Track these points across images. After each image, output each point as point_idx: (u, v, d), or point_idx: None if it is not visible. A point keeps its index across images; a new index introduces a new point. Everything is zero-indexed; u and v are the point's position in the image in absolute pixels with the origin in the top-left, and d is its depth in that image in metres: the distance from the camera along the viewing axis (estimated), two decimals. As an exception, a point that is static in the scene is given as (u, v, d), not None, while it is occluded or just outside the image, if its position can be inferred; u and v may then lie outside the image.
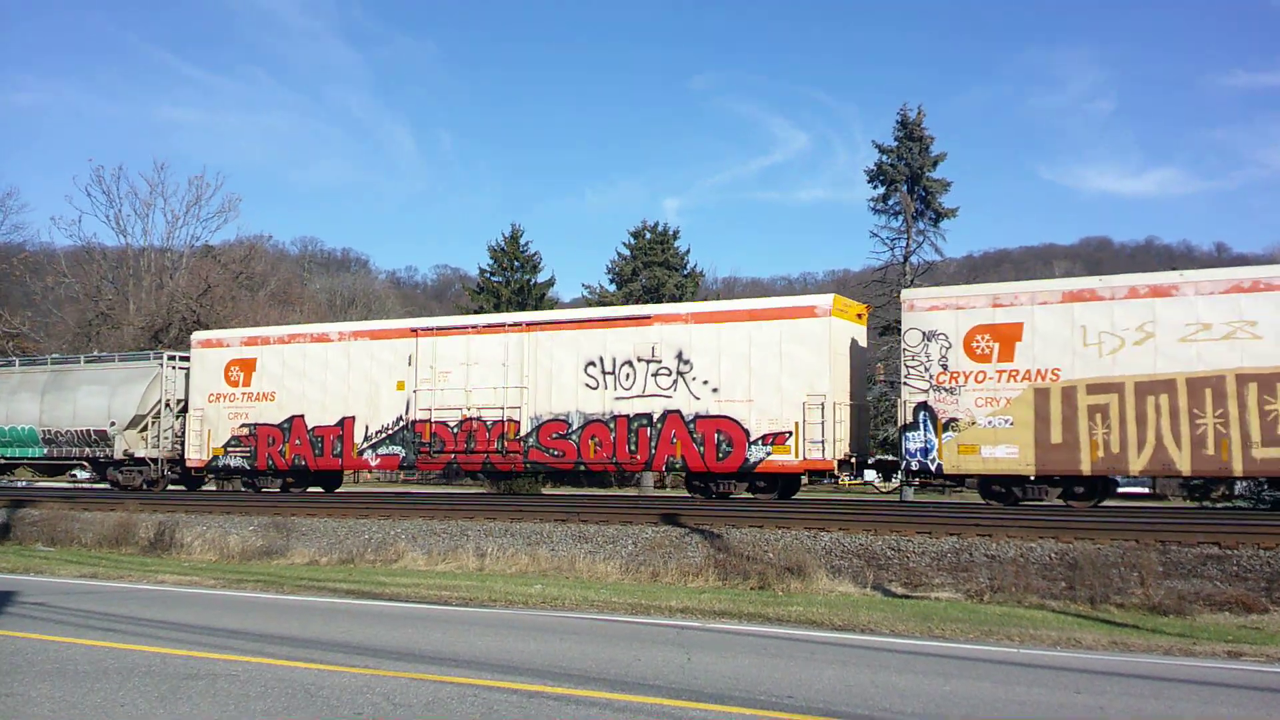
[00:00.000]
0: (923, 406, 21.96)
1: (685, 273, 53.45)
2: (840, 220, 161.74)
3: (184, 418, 31.07)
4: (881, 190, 47.02)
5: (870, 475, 26.23)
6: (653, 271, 51.92)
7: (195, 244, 57.99)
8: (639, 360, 25.08)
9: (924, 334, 22.15)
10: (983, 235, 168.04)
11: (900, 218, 46.49)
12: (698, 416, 24.26)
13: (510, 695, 7.16)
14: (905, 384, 22.32)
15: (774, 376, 23.58)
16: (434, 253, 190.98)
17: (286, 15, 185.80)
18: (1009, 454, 21.12)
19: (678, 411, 24.50)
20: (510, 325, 26.94)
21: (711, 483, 24.79)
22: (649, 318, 25.63)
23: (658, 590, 14.38)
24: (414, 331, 27.89)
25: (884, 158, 46.86)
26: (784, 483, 24.53)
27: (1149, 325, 20.34)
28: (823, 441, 22.93)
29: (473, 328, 27.51)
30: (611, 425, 25.11)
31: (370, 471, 29.83)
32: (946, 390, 21.78)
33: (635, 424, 24.86)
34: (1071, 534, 15.72)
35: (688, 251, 54.42)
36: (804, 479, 25.04)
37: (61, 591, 13.59)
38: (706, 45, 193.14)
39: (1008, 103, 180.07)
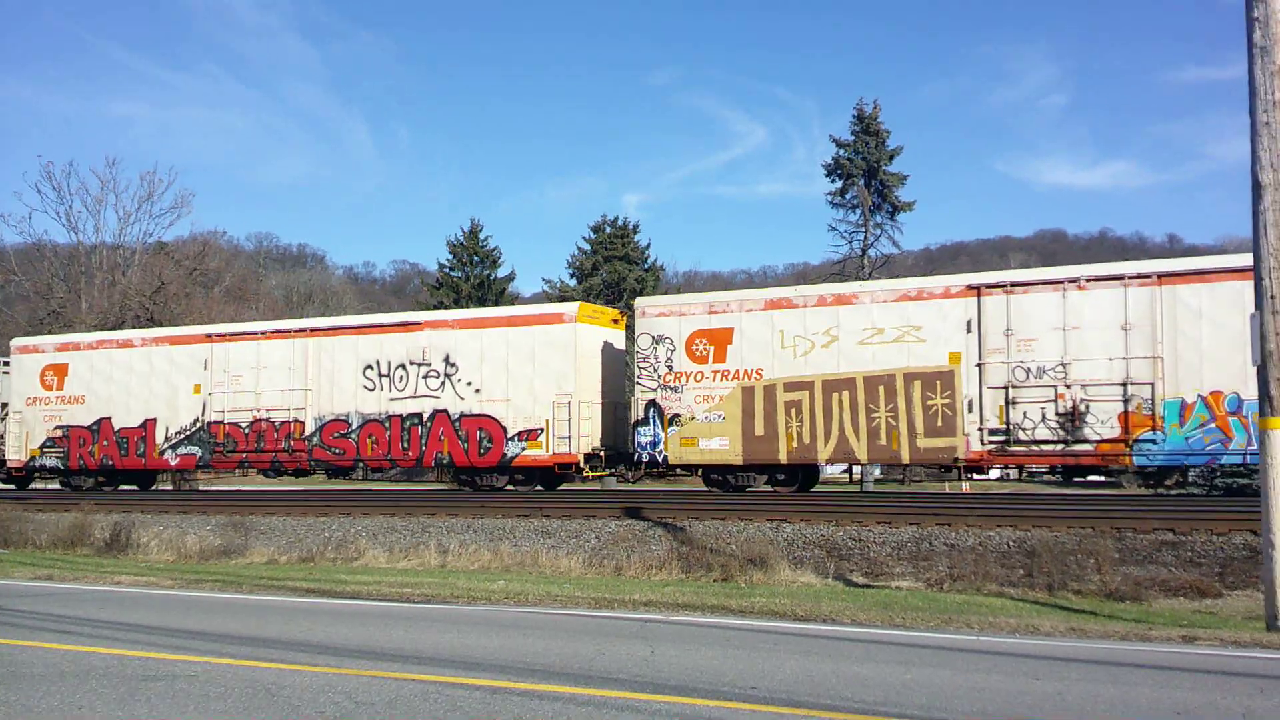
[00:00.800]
0: (652, 404, 24.25)
1: (646, 267, 53.45)
2: (800, 214, 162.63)
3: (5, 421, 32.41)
4: (839, 184, 47.29)
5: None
6: (613, 266, 51.88)
7: (148, 241, 57.11)
8: (411, 364, 26.92)
9: (653, 338, 24.41)
10: (940, 228, 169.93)
11: (858, 211, 46.78)
12: (463, 415, 26.18)
13: (474, 692, 7.13)
14: (638, 383, 24.69)
15: (528, 378, 25.63)
16: (392, 248, 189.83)
17: (242, 11, 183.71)
18: (722, 445, 23.54)
19: (445, 411, 26.38)
20: (296, 331, 28.73)
21: (476, 476, 26.70)
22: (420, 324, 27.62)
23: (621, 584, 14.39)
24: (209, 337, 29.68)
25: (841, 152, 47.14)
26: (541, 475, 26.36)
27: (834, 330, 22.90)
28: (569, 437, 24.94)
29: (262, 333, 29.21)
30: (387, 424, 26.94)
31: (171, 471, 31.36)
32: (672, 389, 24.09)
33: (408, 423, 26.72)
34: (1029, 522, 15.93)
35: (648, 246, 54.44)
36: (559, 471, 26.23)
37: (15, 594, 13.37)
38: (666, 41, 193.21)
39: (964, 98, 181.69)
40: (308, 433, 27.72)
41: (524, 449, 25.45)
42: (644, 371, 24.41)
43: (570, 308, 26.10)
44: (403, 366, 27.02)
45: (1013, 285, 21.63)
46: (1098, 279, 21.11)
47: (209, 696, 6.96)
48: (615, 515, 18.73)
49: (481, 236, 56.33)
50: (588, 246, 54.02)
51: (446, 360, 26.54)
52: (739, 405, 23.39)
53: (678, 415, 23.90)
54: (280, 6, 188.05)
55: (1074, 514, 16.63)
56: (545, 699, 6.89)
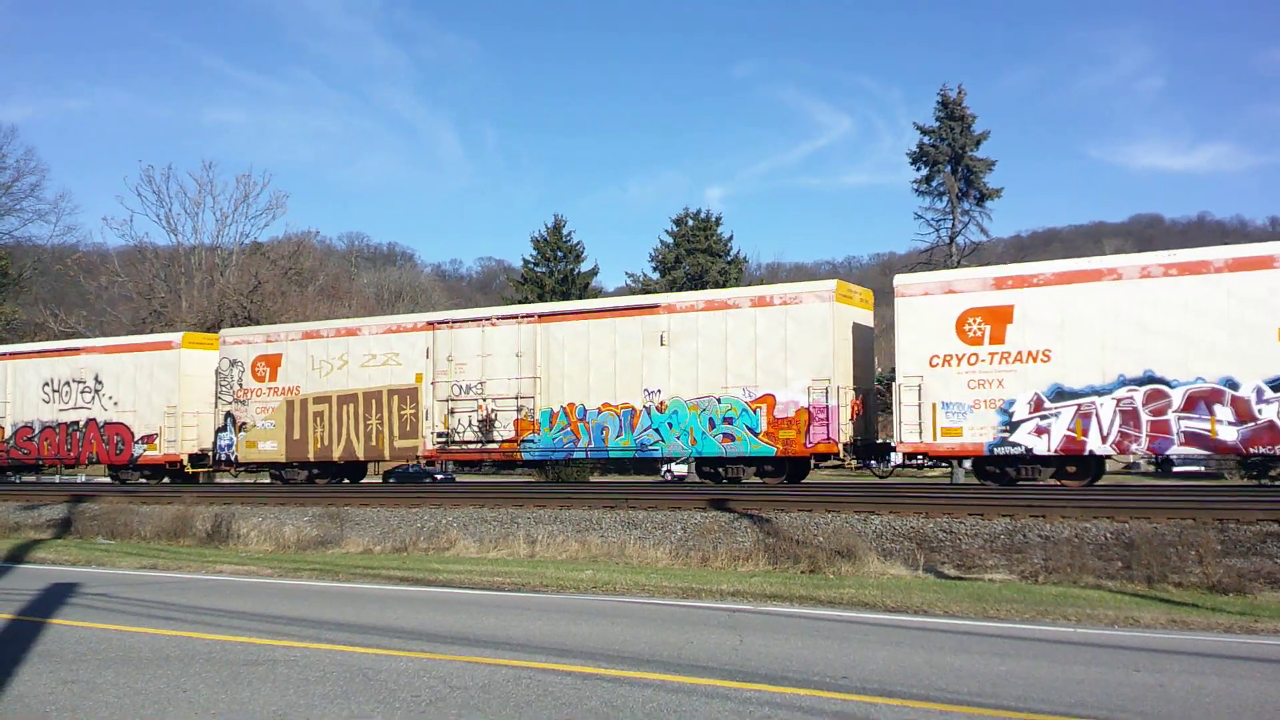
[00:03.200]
0: (229, 414, 30.40)
1: (729, 259, 53.29)
2: (886, 204, 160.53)
3: None
4: (924, 172, 46.66)
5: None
6: (695, 258, 51.83)
7: (244, 241, 58.80)
8: (75, 381, 33.40)
9: (230, 361, 30.51)
10: (1032, 215, 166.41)
11: (944, 199, 46.08)
12: (106, 423, 32.63)
13: (564, 677, 7.21)
14: (219, 397, 30.56)
15: (148, 394, 32.06)
16: (478, 245, 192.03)
17: (331, 17, 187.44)
18: (273, 447, 29.70)
19: (95, 419, 32.84)
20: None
21: (118, 472, 33.09)
22: (78, 349, 34.39)
23: (708, 574, 14.39)
24: None
25: (925, 139, 46.50)
26: (167, 470, 32.53)
27: (345, 356, 28.94)
28: (176, 440, 31.59)
29: None
30: (57, 430, 33.46)
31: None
32: (242, 403, 30.22)
33: (71, 429, 33.25)
34: (1127, 514, 15.52)
35: (730, 238, 54.32)
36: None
37: (122, 583, 13.86)
38: (748, 33, 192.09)
39: (1054, 83, 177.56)
40: (6, 436, 34.34)
41: (145, 450, 32.05)
42: (223, 388, 30.46)
43: (177, 336, 33.04)
44: (69, 383, 33.49)
45: (454, 322, 27.91)
46: (502, 318, 27.39)
47: (308, 680, 7.15)
48: (701, 507, 18.72)
49: (565, 232, 56.77)
50: (670, 240, 54.06)
51: (97, 379, 32.94)
52: (284, 415, 29.48)
53: (245, 423, 30.01)
54: (368, 12, 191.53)
55: (1173, 505, 16.15)
56: (635, 685, 6.93)
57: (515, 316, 27.15)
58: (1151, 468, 55.58)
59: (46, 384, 33.77)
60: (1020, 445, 21.22)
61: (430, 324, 28.10)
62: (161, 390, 31.76)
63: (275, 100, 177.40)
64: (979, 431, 21.55)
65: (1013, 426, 21.27)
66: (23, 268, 60.26)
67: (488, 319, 27.40)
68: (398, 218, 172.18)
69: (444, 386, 27.34)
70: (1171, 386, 20.08)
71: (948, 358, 21.95)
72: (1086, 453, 20.86)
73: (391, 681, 7.05)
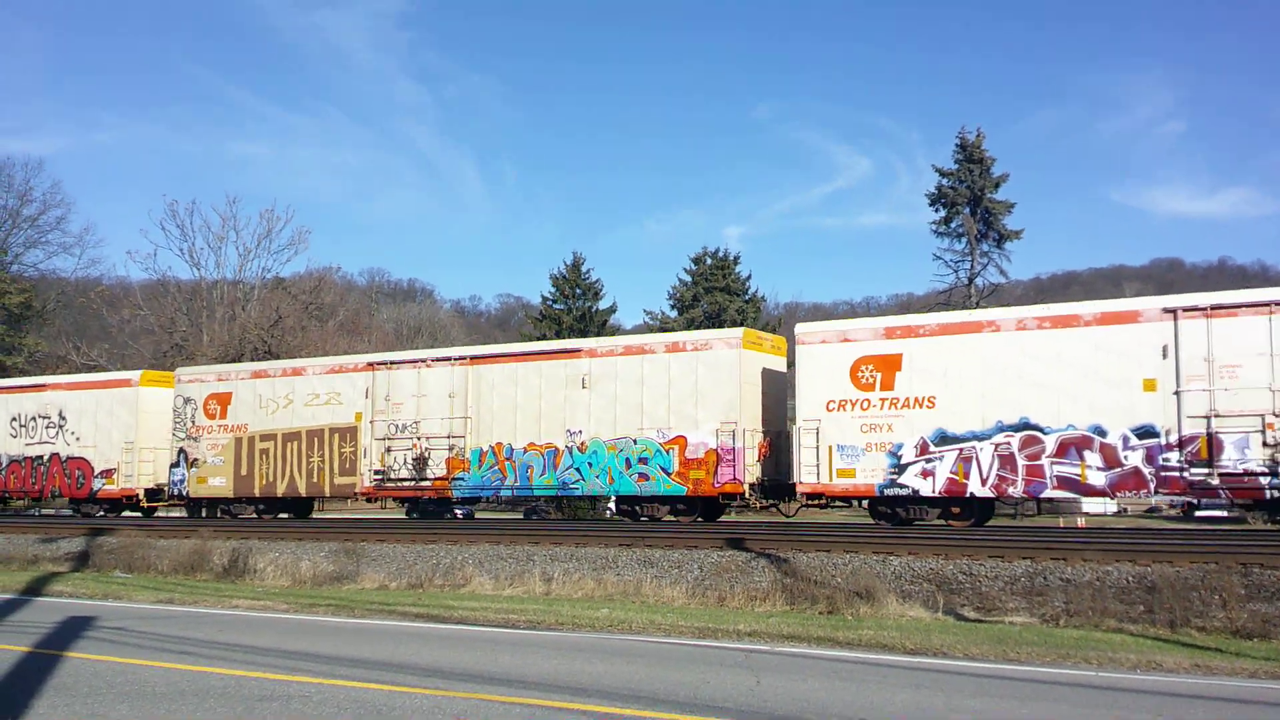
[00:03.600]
0: (182, 450, 31.47)
1: (746, 298, 53.34)
2: (905, 245, 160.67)
3: None
4: (943, 213, 46.68)
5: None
6: (714, 297, 51.88)
7: (266, 276, 59.20)
8: (40, 417, 34.51)
9: (184, 399, 31.58)
10: (1052, 258, 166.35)
11: (963, 240, 46.08)
12: (69, 458, 33.64)
13: (580, 716, 7.15)
14: (174, 434, 31.78)
15: (108, 430, 33.07)
16: (498, 282, 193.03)
17: (358, 55, 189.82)
18: (222, 483, 30.75)
19: (58, 454, 33.90)
20: None
21: (80, 505, 34.12)
22: (44, 385, 35.61)
23: (724, 614, 14.29)
24: None
25: (944, 180, 46.55)
26: (124, 504, 33.24)
27: (291, 395, 30.04)
28: (133, 475, 32.51)
29: None
30: (23, 463, 34.56)
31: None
32: (194, 439, 31.31)
33: (36, 463, 34.31)
34: (1149, 557, 15.34)
35: (749, 277, 54.35)
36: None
37: (139, 616, 13.86)
38: (768, 74, 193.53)
39: (1074, 126, 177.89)
40: None
41: (104, 484, 32.97)
42: (178, 425, 31.56)
43: (135, 374, 33.99)
44: (34, 419, 34.69)
45: (391, 363, 28.90)
46: (436, 360, 28.42)
47: (322, 716, 7.11)
48: (718, 546, 18.61)
49: (584, 269, 56.96)
50: (688, 278, 54.17)
51: (60, 415, 34.08)
52: (233, 452, 30.57)
53: (196, 459, 31.04)
54: (394, 50, 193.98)
55: (1197, 549, 15.97)
56: (651, 725, 6.87)
57: (449, 359, 28.38)
58: (1174, 512, 55.02)
59: (14, 419, 34.92)
60: (908, 487, 22.08)
61: (370, 365, 29.31)
62: (120, 426, 32.88)
63: (300, 135, 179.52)
64: (871, 473, 22.44)
65: (901, 469, 22.15)
66: (46, 300, 60.80)
67: (423, 360, 28.69)
68: (418, 254, 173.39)
69: (381, 425, 28.43)
70: (1045, 433, 20.97)
71: (843, 403, 22.87)
72: (968, 494, 21.66)
73: (405, 718, 7.01)
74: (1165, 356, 20.27)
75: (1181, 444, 19.95)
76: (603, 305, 57.08)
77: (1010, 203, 45.82)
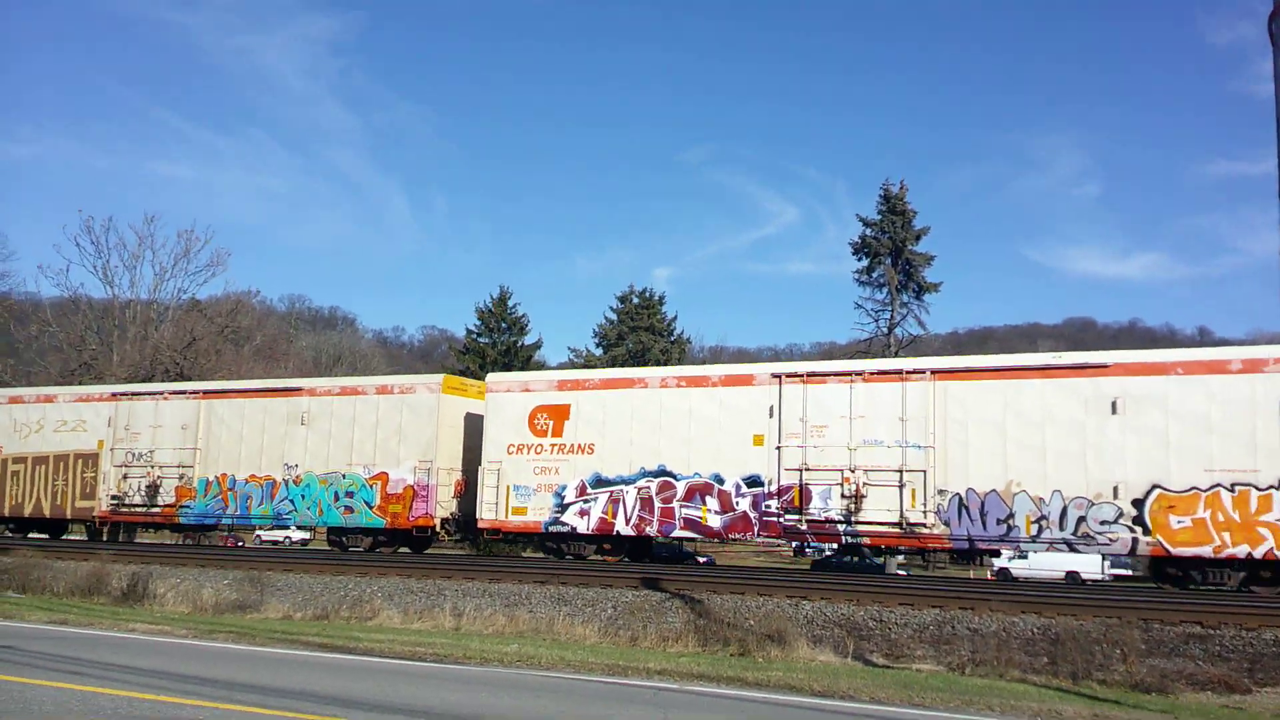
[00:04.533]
0: None
1: (671, 339, 53.60)
2: (829, 293, 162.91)
3: None
4: (865, 262, 47.45)
5: None
6: (638, 336, 52.07)
7: (182, 297, 57.90)
8: None
9: None
10: (970, 313, 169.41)
11: (884, 290, 46.85)
12: None
13: (483, 748, 7.02)
14: None
15: None
16: (422, 313, 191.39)
17: (289, 79, 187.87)
18: None
19: None
20: None
21: None
22: None
23: (636, 653, 14.19)
24: None
25: (868, 230, 47.39)
26: None
27: (43, 420, 31.00)
28: None
29: None
30: None
31: None
32: None
33: None
34: (1054, 609, 15.64)
35: (674, 318, 54.70)
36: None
37: (30, 636, 13.35)
38: (701, 120, 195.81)
39: (994, 184, 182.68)
40: None
41: None
42: None
43: None
44: None
45: (133, 394, 30.20)
46: (173, 393, 29.63)
47: (216, 741, 6.89)
48: (633, 585, 18.54)
49: (510, 304, 56.78)
50: (614, 316, 54.29)
51: None
52: None
53: None
54: (325, 76, 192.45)
55: (1100, 603, 16.31)
56: (555, 759, 6.77)
57: (184, 392, 29.64)
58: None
59: None
60: (568, 524, 24.08)
61: (114, 395, 30.49)
62: None
63: (225, 157, 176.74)
64: (540, 511, 24.37)
65: (564, 508, 24.15)
66: (-52, 312, 58.75)
67: (162, 393, 29.94)
68: (342, 282, 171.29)
69: (120, 453, 29.53)
70: (678, 479, 23.21)
71: (521, 446, 24.88)
72: (615, 532, 23.61)
73: (303, 746, 6.82)
74: (771, 416, 22.61)
75: (780, 493, 22.27)
76: (528, 340, 56.93)
77: (930, 255, 46.84)
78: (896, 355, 45.19)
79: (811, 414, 22.27)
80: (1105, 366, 20.63)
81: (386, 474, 26.17)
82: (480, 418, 26.21)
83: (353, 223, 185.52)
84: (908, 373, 21.91)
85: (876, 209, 47.55)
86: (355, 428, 26.86)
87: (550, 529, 24.21)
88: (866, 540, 22.19)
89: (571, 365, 53.20)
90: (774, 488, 22.28)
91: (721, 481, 22.76)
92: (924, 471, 21.28)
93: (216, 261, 57.77)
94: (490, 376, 26.74)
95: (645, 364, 48.65)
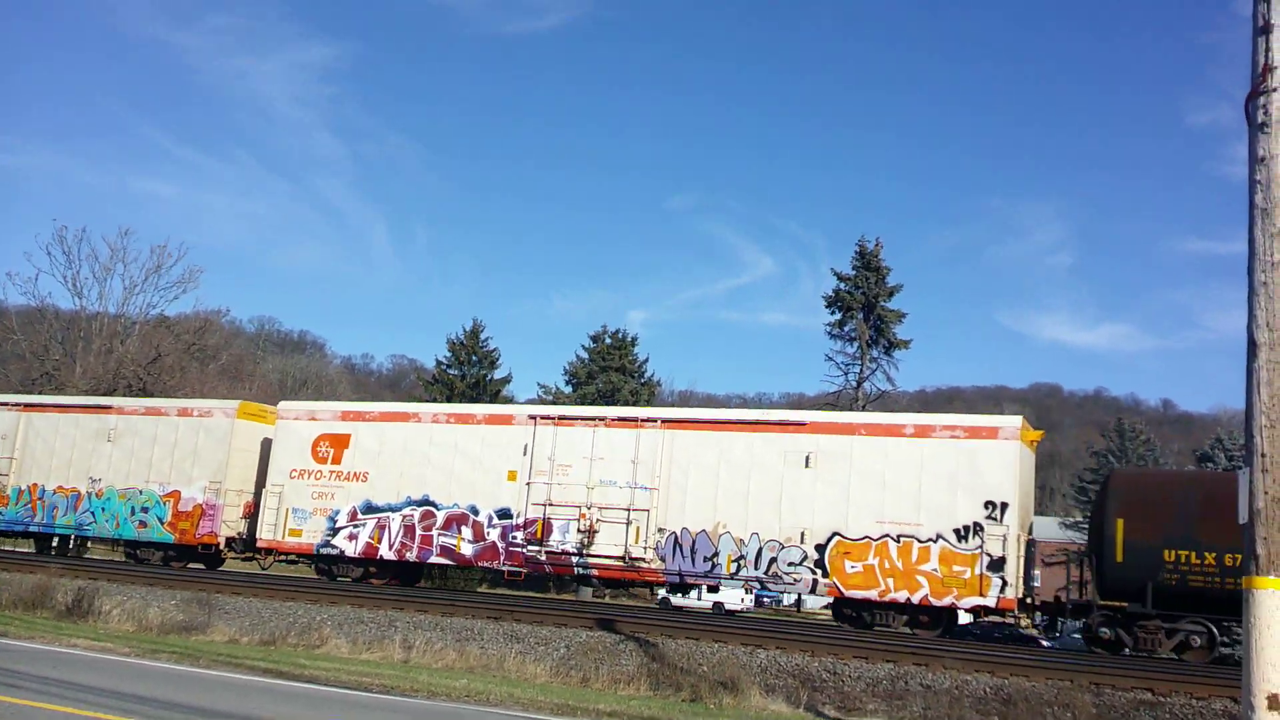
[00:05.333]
0: None
1: (642, 380, 53.62)
2: (801, 346, 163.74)
3: None
4: (838, 316, 47.77)
5: None
6: (609, 376, 52.05)
7: (150, 312, 57.36)
8: None
9: None
10: (938, 373, 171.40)
11: (855, 344, 47.14)
12: None
13: (424, 782, 6.89)
14: None
15: None
16: (393, 342, 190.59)
17: (279, 105, 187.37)
18: None
19: None
20: None
21: None
22: None
23: (587, 694, 14.04)
24: None
25: (841, 284, 47.78)
26: None
27: None
28: None
29: None
30: None
31: None
32: None
33: None
34: (1008, 670, 15.61)
35: (646, 360, 54.69)
36: None
37: (-34, 648, 13.03)
38: (687, 167, 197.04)
39: (970, 248, 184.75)
40: None
41: None
42: None
43: None
44: None
45: None
46: None
47: (150, 761, 6.73)
48: (588, 626, 18.38)
49: (482, 337, 56.63)
50: (585, 355, 54.30)
51: None
52: None
53: None
54: (316, 104, 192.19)
55: (1053, 666, 16.31)
56: (497, 796, 6.65)
57: (6, 404, 30.82)
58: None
59: None
60: (337, 548, 25.48)
61: None
62: None
63: (209, 178, 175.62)
64: (314, 534, 25.75)
65: (335, 532, 25.58)
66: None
67: None
68: (315, 307, 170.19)
69: None
70: (439, 509, 24.75)
71: (303, 472, 26.26)
72: (379, 556, 25.12)
73: (240, 770, 6.67)
74: (525, 454, 24.24)
75: (526, 525, 23.87)
76: (498, 374, 56.73)
77: (902, 312, 47.24)
78: (864, 409, 45.47)
79: (559, 454, 23.89)
80: (803, 424, 22.85)
81: (179, 492, 27.46)
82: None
83: (332, 250, 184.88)
84: (642, 420, 23.84)
85: (851, 264, 48.00)
86: (155, 446, 28.18)
87: (321, 551, 25.68)
88: (595, 572, 23.63)
89: (540, 401, 53.06)
90: (521, 520, 23.90)
91: (477, 513, 24.39)
92: (648, 511, 22.98)
93: (188, 279, 57.23)
94: (282, 404, 28.23)
95: (614, 403, 48.61)
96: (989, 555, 20.47)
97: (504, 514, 24.11)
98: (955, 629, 22.01)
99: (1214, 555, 18.90)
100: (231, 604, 20.28)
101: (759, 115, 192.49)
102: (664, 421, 23.60)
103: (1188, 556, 19.08)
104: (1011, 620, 21.46)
